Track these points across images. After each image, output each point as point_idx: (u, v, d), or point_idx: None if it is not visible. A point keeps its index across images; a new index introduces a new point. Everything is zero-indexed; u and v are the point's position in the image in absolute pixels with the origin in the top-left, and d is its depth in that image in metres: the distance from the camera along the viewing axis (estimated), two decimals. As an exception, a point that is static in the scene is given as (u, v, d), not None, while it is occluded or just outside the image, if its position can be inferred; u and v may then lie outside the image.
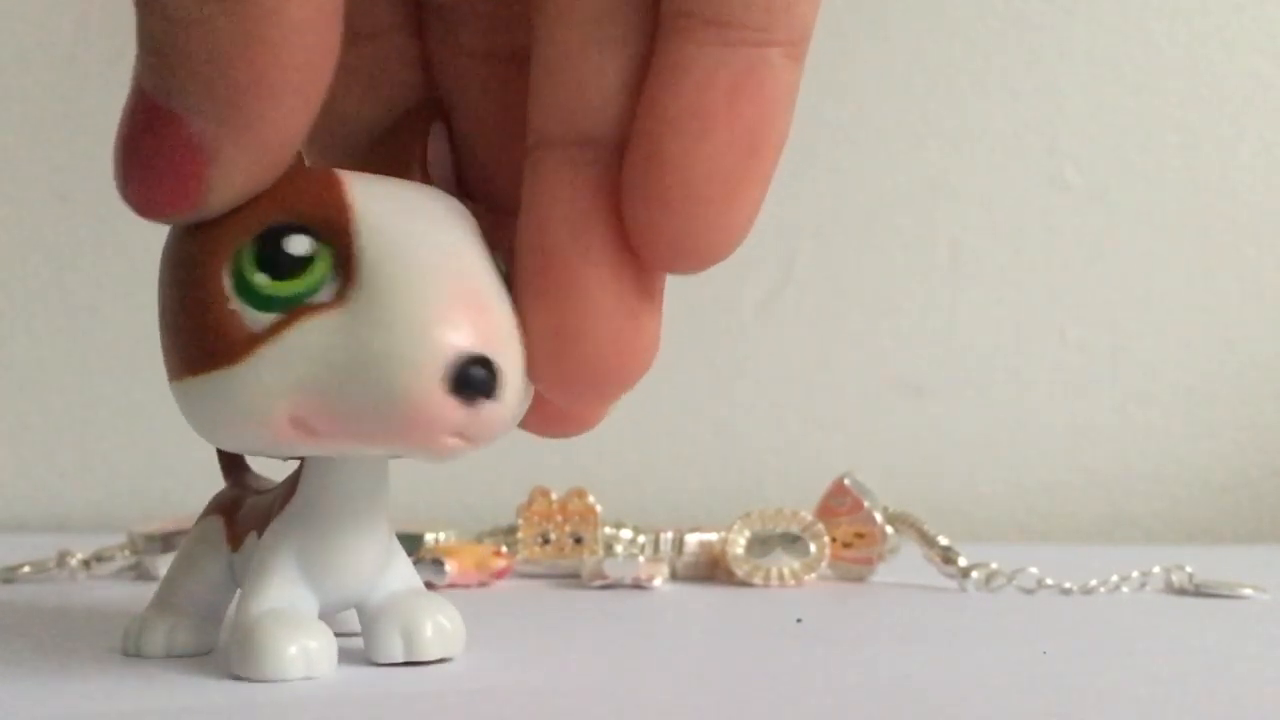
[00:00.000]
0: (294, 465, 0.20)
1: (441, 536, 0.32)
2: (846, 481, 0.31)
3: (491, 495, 0.39)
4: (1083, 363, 0.45)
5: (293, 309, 0.16)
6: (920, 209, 0.45)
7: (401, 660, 0.19)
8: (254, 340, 0.16)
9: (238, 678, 0.18)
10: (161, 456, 0.45)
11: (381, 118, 0.20)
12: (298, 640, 0.18)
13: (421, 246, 0.16)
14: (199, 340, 0.17)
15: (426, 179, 0.19)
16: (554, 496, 0.32)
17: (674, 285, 0.45)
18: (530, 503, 0.32)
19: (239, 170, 0.16)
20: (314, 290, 0.16)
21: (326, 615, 0.19)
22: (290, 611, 0.18)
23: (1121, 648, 0.22)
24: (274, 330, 0.16)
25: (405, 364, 0.16)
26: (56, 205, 0.45)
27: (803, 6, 0.17)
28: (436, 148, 0.20)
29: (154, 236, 0.49)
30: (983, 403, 0.45)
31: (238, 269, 0.16)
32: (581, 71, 0.17)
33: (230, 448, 0.18)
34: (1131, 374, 0.45)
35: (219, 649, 0.21)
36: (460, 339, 0.16)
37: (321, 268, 0.16)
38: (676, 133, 0.16)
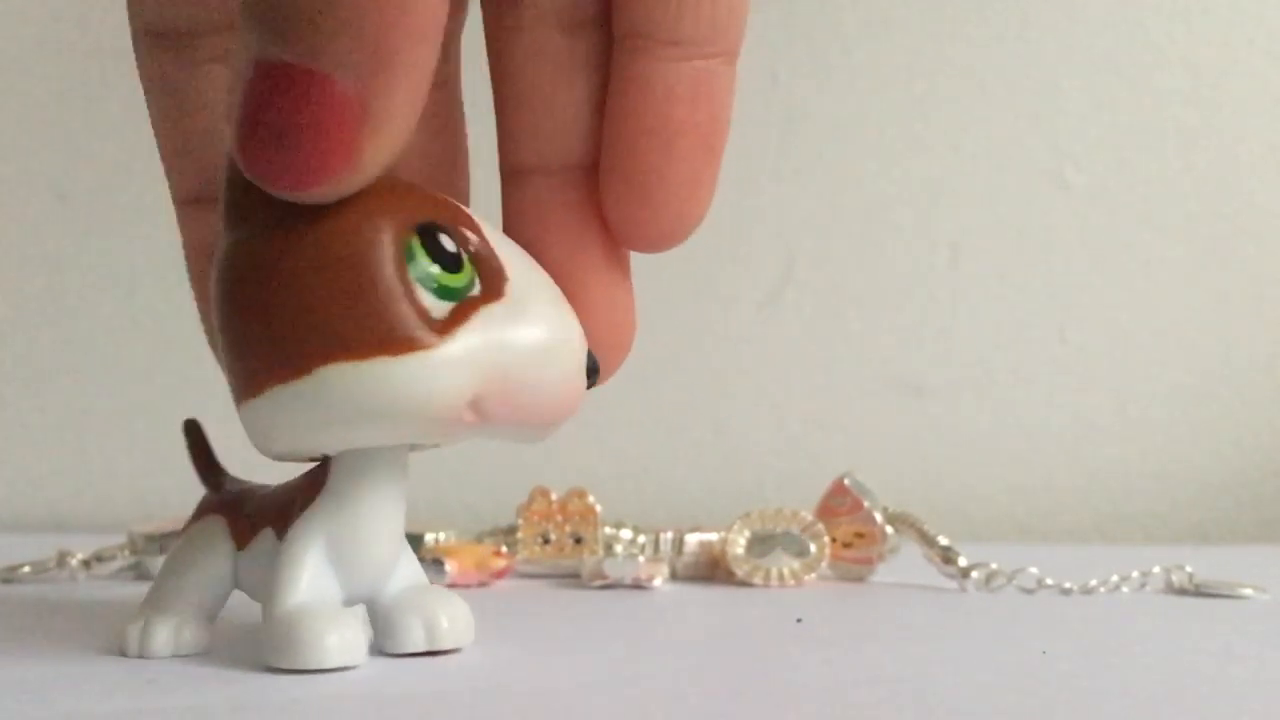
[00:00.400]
0: (292, 468, 0.20)
1: (441, 536, 0.32)
2: (846, 481, 0.31)
3: (491, 495, 0.39)
4: (1082, 363, 0.45)
5: (461, 300, 0.17)
6: (920, 209, 0.45)
7: (424, 650, 0.19)
8: (444, 326, 0.17)
9: (272, 669, 0.18)
10: (162, 457, 0.45)
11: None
12: (336, 630, 0.18)
13: (521, 256, 0.19)
14: (373, 324, 0.17)
15: None
16: (554, 496, 0.32)
17: (675, 287, 0.45)
18: (530, 503, 0.32)
19: (391, 124, 0.16)
20: (472, 286, 0.17)
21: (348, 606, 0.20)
22: (322, 603, 0.19)
23: (1121, 648, 0.22)
24: (460, 316, 0.17)
25: (573, 350, 0.18)
26: (56, 205, 0.45)
27: (739, 19, 0.19)
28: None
29: (156, 236, 0.48)
30: (983, 403, 0.45)
31: (412, 258, 0.17)
32: (553, 105, 0.19)
33: (359, 442, 0.18)
34: (1131, 374, 0.45)
35: (219, 648, 0.21)
36: (581, 336, 0.19)
37: (470, 267, 0.17)
38: (651, 140, 0.19)
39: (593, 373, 0.19)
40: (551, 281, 0.19)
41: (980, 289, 0.45)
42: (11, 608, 0.26)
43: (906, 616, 0.26)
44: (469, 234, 0.18)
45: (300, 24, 0.15)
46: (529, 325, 0.18)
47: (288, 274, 0.17)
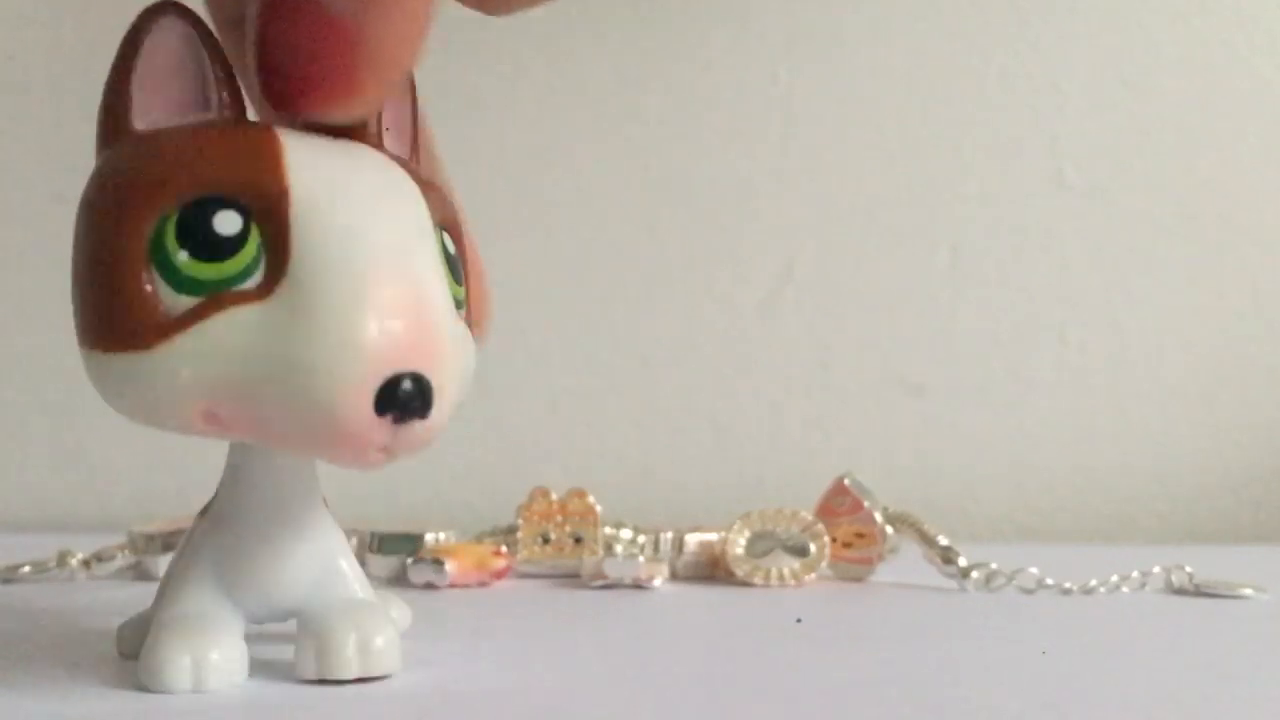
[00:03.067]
0: None
1: (441, 536, 0.32)
2: (846, 481, 0.31)
3: (491, 495, 0.39)
4: (1082, 363, 0.45)
5: (215, 294, 0.15)
6: (920, 210, 0.45)
7: (314, 678, 0.17)
8: (169, 327, 0.15)
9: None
10: (163, 457, 0.45)
11: None
12: (193, 651, 0.17)
13: (360, 238, 0.15)
14: (109, 316, 0.15)
15: (379, 140, 0.18)
16: (554, 496, 0.32)
17: (675, 287, 0.45)
18: (530, 502, 0.32)
19: (385, 55, 0.16)
20: (241, 276, 0.15)
21: (259, 624, 0.18)
22: (197, 619, 0.17)
23: (1121, 648, 0.22)
24: (192, 317, 0.15)
25: (335, 378, 0.15)
26: (55, 206, 0.45)
27: None
28: (397, 111, 0.18)
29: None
30: (983, 403, 0.45)
31: (159, 240, 0.15)
32: None
33: (143, 424, 0.17)
34: (1131, 374, 0.45)
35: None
36: (395, 354, 0.15)
37: (250, 251, 0.15)
38: None
39: (398, 405, 0.15)
40: (407, 266, 0.15)
41: (980, 290, 0.45)
42: (12, 608, 0.26)
43: (906, 617, 0.26)
44: (274, 207, 0.15)
45: None
46: (284, 335, 0.15)
47: (78, 241, 0.16)
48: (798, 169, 0.45)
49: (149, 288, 0.15)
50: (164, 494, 0.44)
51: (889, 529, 0.31)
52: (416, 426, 0.15)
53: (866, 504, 0.31)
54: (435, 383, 0.15)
